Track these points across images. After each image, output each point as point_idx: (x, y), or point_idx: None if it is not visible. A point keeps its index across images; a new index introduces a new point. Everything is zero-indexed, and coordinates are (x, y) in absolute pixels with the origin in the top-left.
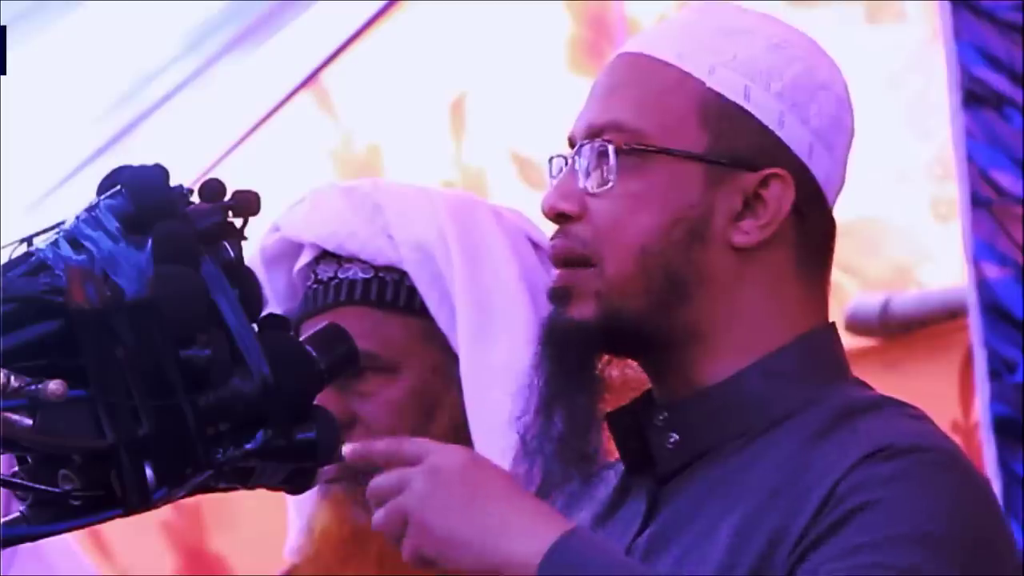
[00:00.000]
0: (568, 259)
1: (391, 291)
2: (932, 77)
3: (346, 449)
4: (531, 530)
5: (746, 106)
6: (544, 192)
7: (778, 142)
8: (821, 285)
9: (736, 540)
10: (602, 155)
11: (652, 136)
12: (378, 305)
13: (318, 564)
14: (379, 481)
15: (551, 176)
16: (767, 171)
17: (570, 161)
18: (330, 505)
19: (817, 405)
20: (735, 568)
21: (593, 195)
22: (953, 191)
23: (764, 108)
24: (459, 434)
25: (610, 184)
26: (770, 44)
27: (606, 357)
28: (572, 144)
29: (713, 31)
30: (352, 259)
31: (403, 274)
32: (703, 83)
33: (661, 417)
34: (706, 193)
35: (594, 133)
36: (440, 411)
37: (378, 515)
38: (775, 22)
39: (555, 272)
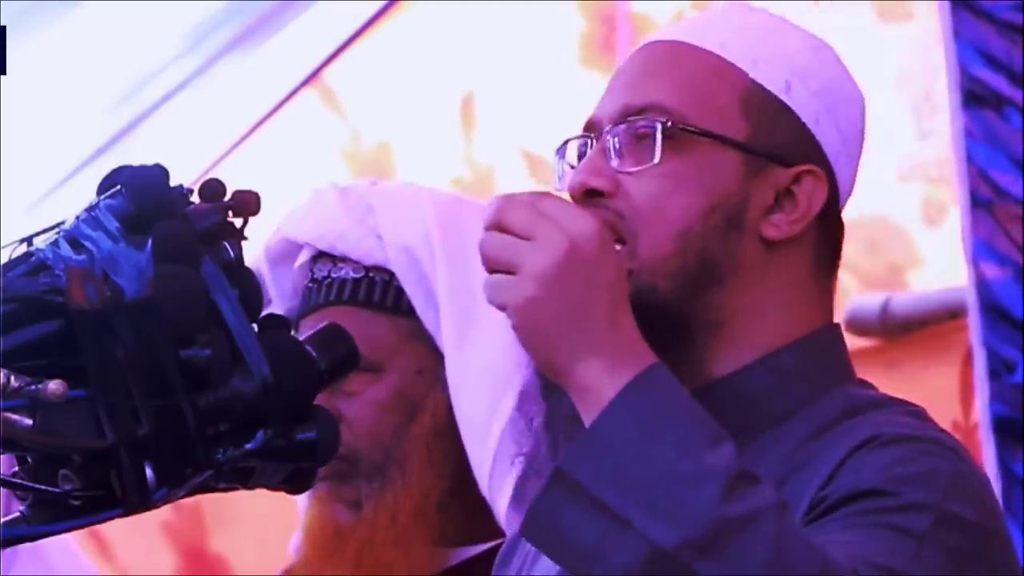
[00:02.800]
0: None
1: (379, 291)
2: (938, 76)
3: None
4: (615, 355)
5: (787, 100)
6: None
7: (812, 140)
8: (830, 286)
9: None
10: (642, 136)
11: (694, 120)
12: (366, 305)
13: (308, 564)
14: (517, 215)
15: (562, 159)
16: (802, 167)
17: (600, 140)
18: (315, 503)
19: (819, 404)
20: None
21: (628, 174)
22: (945, 194)
23: (803, 105)
24: (439, 435)
25: (653, 162)
26: (808, 45)
27: None
28: (592, 128)
29: (754, 27)
30: (346, 259)
31: (392, 274)
32: (746, 73)
33: None
34: (743, 182)
35: (631, 113)
36: (422, 411)
37: (494, 242)
38: (806, 30)
39: None
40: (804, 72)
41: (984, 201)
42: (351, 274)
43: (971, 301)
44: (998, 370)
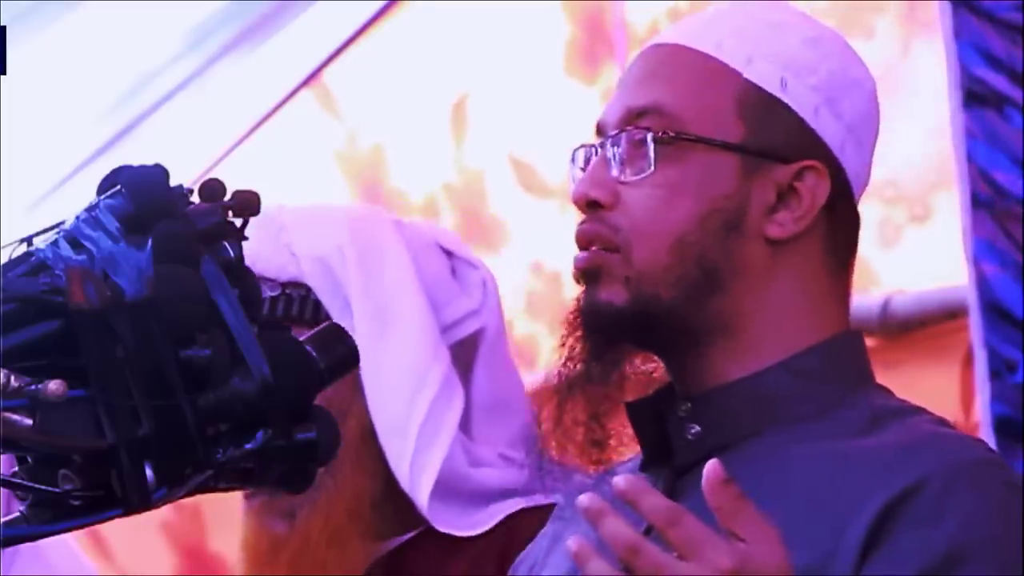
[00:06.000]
0: (592, 241)
1: (297, 306)
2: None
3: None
4: None
5: (782, 97)
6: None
7: (812, 135)
8: (846, 281)
9: None
10: (639, 143)
11: (690, 124)
12: (284, 321)
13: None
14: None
15: (574, 165)
16: (802, 163)
17: (602, 150)
18: (251, 516)
19: (843, 410)
20: None
21: (627, 184)
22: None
23: (800, 100)
24: (367, 438)
25: (647, 172)
26: (806, 39)
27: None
28: (601, 132)
29: (750, 24)
30: (262, 279)
31: (309, 288)
32: (740, 74)
33: (683, 408)
34: (741, 184)
35: (632, 116)
36: (349, 418)
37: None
38: (810, 19)
39: (579, 254)
40: (800, 66)
41: (985, 201)
42: (267, 293)
43: (972, 301)
44: (999, 370)
